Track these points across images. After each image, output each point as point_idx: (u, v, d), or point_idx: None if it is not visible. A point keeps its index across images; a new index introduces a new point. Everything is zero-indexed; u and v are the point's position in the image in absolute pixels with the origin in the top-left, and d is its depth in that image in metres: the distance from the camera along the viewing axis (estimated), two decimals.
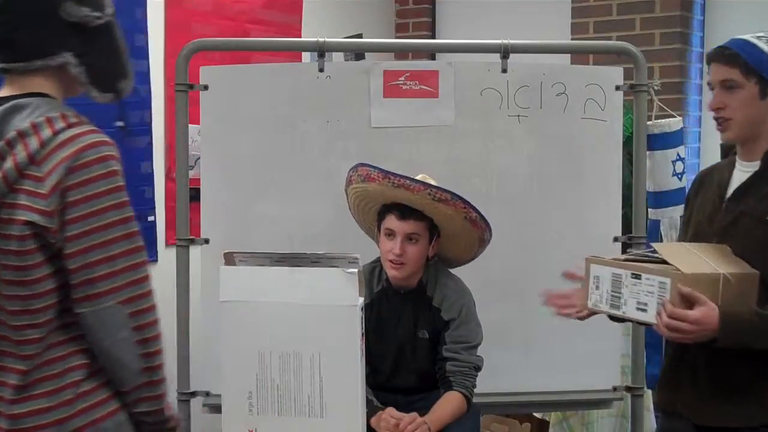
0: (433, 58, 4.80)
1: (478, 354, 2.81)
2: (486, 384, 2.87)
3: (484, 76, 3.21)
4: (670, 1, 4.48)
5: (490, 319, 2.90)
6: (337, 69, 3.36)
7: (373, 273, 2.84)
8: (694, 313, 2.12)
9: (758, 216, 2.24)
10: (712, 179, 2.42)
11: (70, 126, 1.69)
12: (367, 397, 2.53)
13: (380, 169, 2.69)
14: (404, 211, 2.70)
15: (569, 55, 4.29)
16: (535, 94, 3.22)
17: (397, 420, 2.64)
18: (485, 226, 2.75)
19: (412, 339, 2.81)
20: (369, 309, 2.75)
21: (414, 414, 2.66)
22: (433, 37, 5.34)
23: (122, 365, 1.72)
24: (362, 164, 2.74)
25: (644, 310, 2.23)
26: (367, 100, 3.20)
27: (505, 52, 3.18)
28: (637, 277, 2.24)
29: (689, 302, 2.13)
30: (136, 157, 3.74)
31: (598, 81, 3.23)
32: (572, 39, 4.72)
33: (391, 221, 2.72)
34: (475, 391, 2.79)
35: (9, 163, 1.65)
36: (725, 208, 2.32)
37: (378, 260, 2.83)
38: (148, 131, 3.80)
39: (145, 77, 3.76)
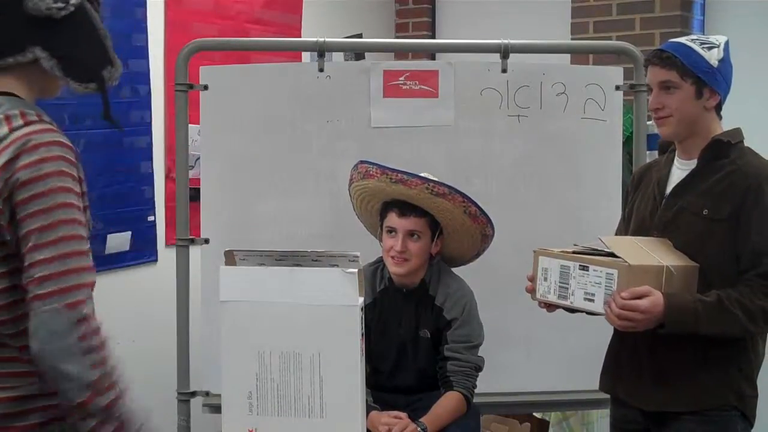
0: (433, 58, 4.80)
1: (479, 354, 2.81)
2: (486, 384, 2.87)
3: (484, 76, 3.21)
4: (670, 1, 4.48)
5: (490, 318, 2.90)
6: (337, 69, 3.35)
7: (375, 273, 2.84)
8: (643, 303, 2.22)
9: (696, 211, 2.35)
10: (650, 176, 2.53)
11: (27, 123, 1.63)
12: None
13: (378, 165, 2.70)
14: (404, 209, 2.71)
15: (569, 55, 4.30)
16: (535, 93, 3.22)
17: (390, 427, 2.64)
18: (486, 221, 2.76)
19: (413, 338, 2.81)
20: (371, 308, 2.75)
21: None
22: (433, 37, 5.34)
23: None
24: (362, 161, 2.76)
25: (591, 300, 2.32)
26: (367, 100, 3.20)
27: (504, 52, 3.18)
28: (584, 268, 2.33)
29: (637, 293, 2.22)
30: (136, 157, 3.74)
31: (598, 81, 3.23)
32: (572, 39, 4.72)
33: (392, 219, 2.73)
34: (476, 391, 2.79)
35: None
36: (665, 204, 2.43)
37: (380, 260, 2.84)
38: (148, 131, 3.80)
39: (145, 77, 3.76)
